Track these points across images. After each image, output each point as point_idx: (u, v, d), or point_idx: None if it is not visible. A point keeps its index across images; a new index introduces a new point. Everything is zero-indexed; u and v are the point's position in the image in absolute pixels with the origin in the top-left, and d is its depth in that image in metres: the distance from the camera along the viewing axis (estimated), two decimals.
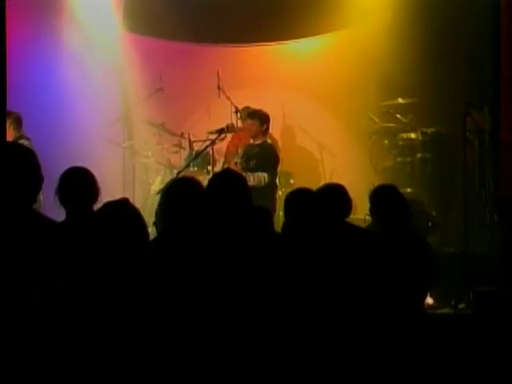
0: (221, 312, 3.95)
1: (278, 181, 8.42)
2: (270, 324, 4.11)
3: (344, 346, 4.45)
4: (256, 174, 7.90)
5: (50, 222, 3.75)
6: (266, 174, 7.94)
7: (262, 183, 7.85)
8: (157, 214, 4.25)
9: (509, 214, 6.91)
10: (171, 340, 3.79)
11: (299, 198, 4.80)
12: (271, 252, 4.34)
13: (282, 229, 4.81)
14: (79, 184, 4.37)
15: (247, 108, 9.16)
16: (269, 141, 8.44)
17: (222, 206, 4.39)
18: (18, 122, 8.28)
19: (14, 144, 4.30)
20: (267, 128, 8.37)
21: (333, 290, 4.49)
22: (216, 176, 4.87)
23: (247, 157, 8.23)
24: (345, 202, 5.14)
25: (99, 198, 4.42)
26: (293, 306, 4.28)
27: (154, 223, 4.26)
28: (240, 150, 8.59)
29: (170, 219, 4.16)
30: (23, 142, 8.26)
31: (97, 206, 4.35)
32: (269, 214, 4.59)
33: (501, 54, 7.39)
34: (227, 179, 4.55)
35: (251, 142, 8.41)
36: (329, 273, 4.52)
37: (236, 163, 8.27)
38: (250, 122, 8.38)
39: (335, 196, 5.10)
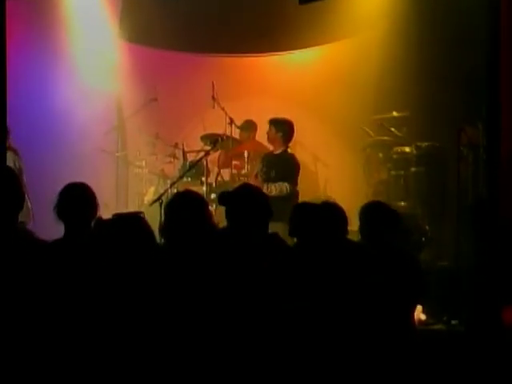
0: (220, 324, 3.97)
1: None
2: (266, 335, 4.12)
3: (334, 357, 4.45)
4: (277, 184, 7.93)
5: (33, 240, 3.75)
6: (287, 184, 7.99)
7: (284, 192, 7.89)
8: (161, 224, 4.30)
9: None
10: (173, 343, 3.82)
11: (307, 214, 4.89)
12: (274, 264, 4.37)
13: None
14: (79, 200, 4.32)
15: (248, 121, 9.23)
16: (289, 150, 8.42)
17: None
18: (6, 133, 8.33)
19: None
20: (287, 137, 8.34)
21: (325, 304, 4.51)
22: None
23: (267, 167, 8.24)
24: (344, 220, 5.19)
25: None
26: (286, 317, 4.29)
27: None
28: (251, 162, 8.67)
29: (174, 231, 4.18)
30: (10, 154, 8.29)
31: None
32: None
33: (500, 70, 7.37)
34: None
35: (272, 150, 8.46)
36: (320, 287, 4.54)
37: (256, 175, 8.27)
38: (269, 128, 8.42)
39: (335, 213, 5.17)
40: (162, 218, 5.90)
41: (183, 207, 4.27)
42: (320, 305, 4.47)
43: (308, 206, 5.31)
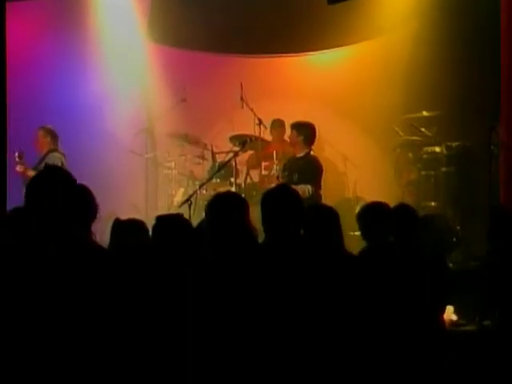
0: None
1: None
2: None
3: (361, 359, 4.42)
4: (299, 186, 7.90)
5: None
6: (309, 186, 7.97)
7: (306, 194, 7.82)
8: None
9: None
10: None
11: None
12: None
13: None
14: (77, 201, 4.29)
15: (278, 120, 9.24)
16: (312, 152, 8.41)
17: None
18: (55, 137, 8.63)
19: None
20: (308, 140, 8.33)
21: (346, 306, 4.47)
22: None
23: (290, 170, 8.25)
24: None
25: (98, 216, 4.34)
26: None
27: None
28: (280, 162, 8.64)
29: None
30: (56, 154, 8.48)
31: (96, 224, 4.31)
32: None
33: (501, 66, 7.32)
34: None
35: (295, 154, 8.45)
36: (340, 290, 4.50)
37: (278, 177, 8.27)
38: (291, 132, 8.45)
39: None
40: (191, 219, 5.94)
41: (228, 208, 4.26)
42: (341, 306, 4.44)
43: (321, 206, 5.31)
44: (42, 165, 8.56)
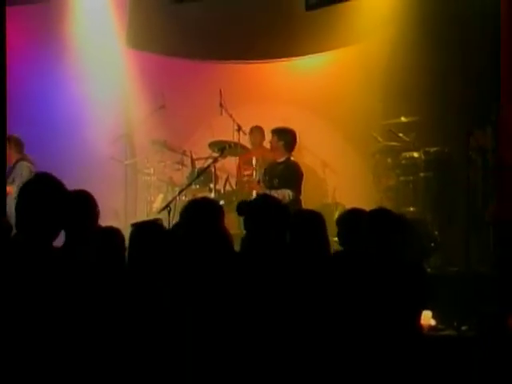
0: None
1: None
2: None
3: (338, 365, 4.42)
4: (280, 190, 7.94)
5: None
6: (289, 191, 8.01)
7: (287, 199, 7.85)
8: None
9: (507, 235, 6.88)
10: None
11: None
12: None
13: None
14: (80, 208, 4.31)
15: (257, 127, 9.26)
16: (292, 158, 8.45)
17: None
18: (19, 145, 8.46)
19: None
20: (289, 146, 8.38)
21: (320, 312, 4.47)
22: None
23: (270, 175, 8.29)
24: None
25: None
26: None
27: None
28: (260, 168, 8.66)
29: None
30: (25, 163, 8.37)
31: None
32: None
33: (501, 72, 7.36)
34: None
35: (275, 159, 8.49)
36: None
37: (259, 181, 8.30)
38: (272, 137, 8.50)
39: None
40: (171, 225, 5.92)
41: (200, 213, 4.28)
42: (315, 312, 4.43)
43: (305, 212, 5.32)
44: (12, 176, 8.34)
